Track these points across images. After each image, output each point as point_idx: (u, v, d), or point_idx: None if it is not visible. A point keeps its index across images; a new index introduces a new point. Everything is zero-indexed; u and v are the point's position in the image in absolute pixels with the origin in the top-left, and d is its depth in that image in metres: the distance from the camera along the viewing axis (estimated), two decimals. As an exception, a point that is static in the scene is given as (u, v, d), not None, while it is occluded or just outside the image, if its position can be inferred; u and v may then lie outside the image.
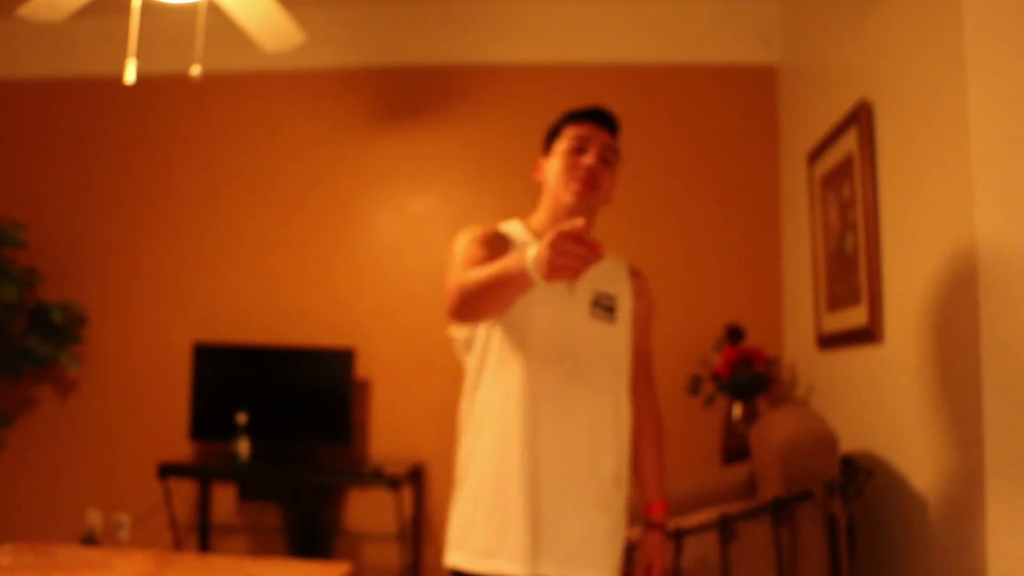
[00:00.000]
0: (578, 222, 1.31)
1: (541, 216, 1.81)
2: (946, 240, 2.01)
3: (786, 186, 3.70)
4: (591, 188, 1.73)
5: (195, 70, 2.73)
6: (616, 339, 1.75)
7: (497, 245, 1.72)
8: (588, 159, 1.75)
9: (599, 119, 1.80)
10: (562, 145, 1.79)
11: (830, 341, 2.97)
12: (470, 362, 1.74)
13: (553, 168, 1.79)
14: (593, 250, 1.30)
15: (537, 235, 1.76)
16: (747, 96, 3.85)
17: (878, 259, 2.47)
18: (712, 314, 3.64)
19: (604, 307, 1.75)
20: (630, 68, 3.91)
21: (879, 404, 2.49)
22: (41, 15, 2.72)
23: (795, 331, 3.52)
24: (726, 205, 3.80)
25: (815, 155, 3.12)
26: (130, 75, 2.61)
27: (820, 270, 3.09)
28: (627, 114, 3.89)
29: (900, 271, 2.34)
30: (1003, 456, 1.80)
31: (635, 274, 1.89)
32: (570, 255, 1.30)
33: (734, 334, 3.41)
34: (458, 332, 1.76)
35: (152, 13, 3.68)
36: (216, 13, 3.16)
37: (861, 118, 2.55)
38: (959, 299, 1.94)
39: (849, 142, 2.69)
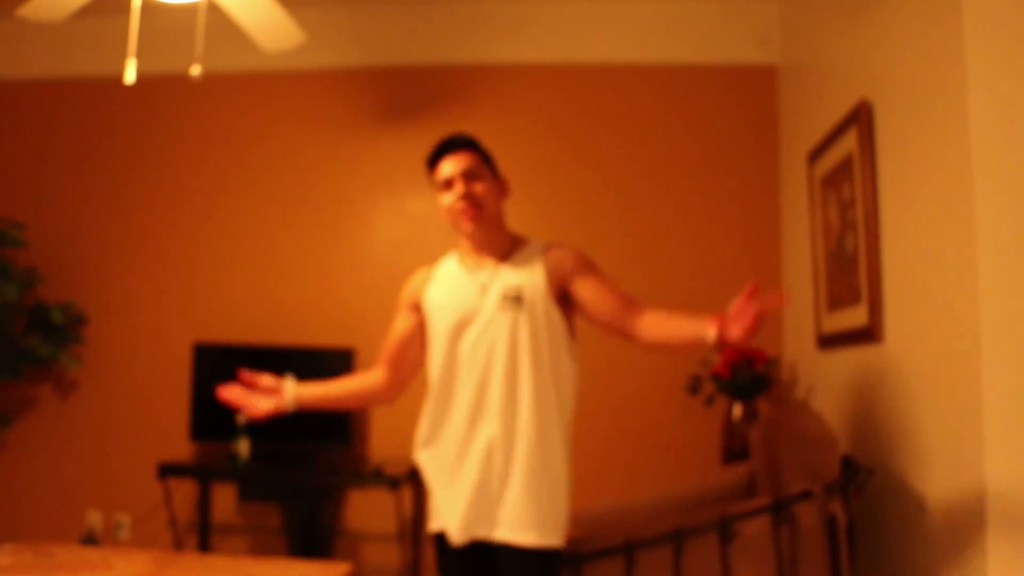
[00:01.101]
0: (225, 393, 2.10)
1: (463, 247, 2.11)
2: (946, 240, 2.01)
3: (786, 186, 3.70)
4: (475, 215, 2.00)
5: (195, 70, 2.73)
6: (532, 322, 1.96)
7: (411, 309, 2.17)
8: (455, 197, 2.02)
9: (447, 150, 2.05)
10: (437, 191, 2.08)
11: (830, 341, 2.97)
12: None
13: (444, 212, 2.08)
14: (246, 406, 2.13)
15: (460, 258, 2.10)
16: (747, 96, 3.85)
17: (878, 259, 2.47)
18: (712, 314, 3.63)
19: (511, 298, 1.97)
20: (630, 68, 3.91)
21: (879, 404, 2.49)
22: (41, 15, 2.72)
23: (795, 331, 3.52)
24: (726, 205, 3.80)
25: (815, 155, 3.12)
26: (130, 75, 2.61)
27: (820, 270, 3.09)
28: (627, 114, 3.93)
29: (900, 271, 2.34)
30: (1003, 456, 1.80)
31: (547, 250, 2.07)
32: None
33: (734, 334, 3.40)
34: None
35: (152, 13, 3.68)
36: (216, 13, 3.16)
37: (861, 118, 2.55)
38: (959, 299, 1.94)
39: (849, 142, 2.69)
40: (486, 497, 1.91)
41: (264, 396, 2.17)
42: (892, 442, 2.38)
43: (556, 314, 1.99)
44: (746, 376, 3.29)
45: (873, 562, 2.44)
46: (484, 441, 1.93)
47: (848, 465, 2.34)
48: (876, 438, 2.50)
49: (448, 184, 2.03)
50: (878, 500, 2.40)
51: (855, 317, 2.65)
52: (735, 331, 1.71)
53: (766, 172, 3.80)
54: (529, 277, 2.00)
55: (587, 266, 2.05)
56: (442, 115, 3.97)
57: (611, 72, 3.92)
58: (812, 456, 2.25)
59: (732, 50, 3.85)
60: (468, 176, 2.02)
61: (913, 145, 2.23)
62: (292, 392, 2.15)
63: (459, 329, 1.99)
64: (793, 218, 3.57)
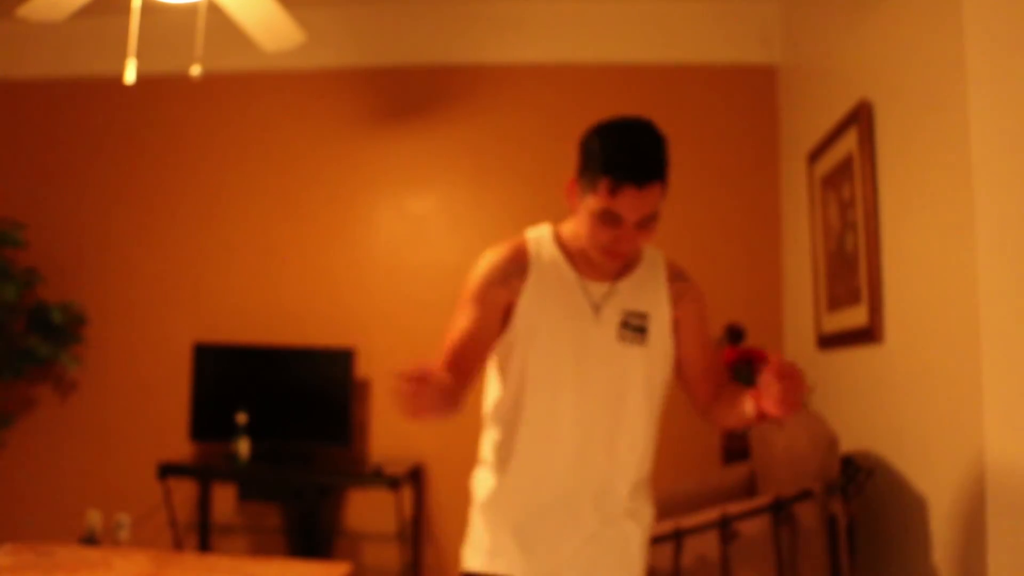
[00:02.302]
0: (411, 369, 1.27)
1: (575, 232, 1.64)
2: (946, 240, 2.01)
3: (786, 186, 3.70)
4: (621, 258, 1.57)
5: (195, 70, 2.73)
6: (649, 361, 1.64)
7: (500, 291, 1.61)
8: (626, 239, 1.52)
9: (641, 178, 1.48)
10: (594, 204, 1.51)
11: (830, 341, 2.97)
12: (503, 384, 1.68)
13: (584, 222, 1.56)
14: (429, 390, 1.28)
15: (568, 254, 1.65)
16: (747, 96, 3.85)
17: (878, 259, 2.47)
18: (712, 314, 3.62)
19: (634, 328, 1.63)
20: (630, 68, 3.91)
21: (879, 404, 2.49)
22: (41, 15, 2.72)
23: (795, 331, 3.52)
24: (726, 205, 3.80)
25: (815, 155, 3.12)
26: (130, 75, 2.61)
27: (820, 270, 3.09)
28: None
29: (900, 271, 2.34)
30: (1003, 456, 1.80)
31: (674, 278, 1.73)
32: (411, 401, 1.28)
33: (734, 334, 3.40)
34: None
35: (152, 13, 3.68)
36: (216, 13, 3.16)
37: (861, 118, 2.55)
38: (959, 299, 1.94)
39: (849, 142, 2.69)
40: (588, 548, 1.63)
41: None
42: (892, 442, 2.38)
43: (671, 356, 1.70)
44: (746, 376, 3.29)
45: (873, 562, 2.44)
46: (591, 487, 1.64)
47: (848, 465, 2.34)
48: (876, 438, 2.50)
49: (614, 218, 1.50)
50: (878, 500, 2.40)
51: (855, 317, 2.65)
52: (774, 410, 1.50)
53: (766, 172, 3.80)
54: (654, 305, 1.67)
55: (704, 317, 1.77)
56: (442, 115, 3.97)
57: (611, 72, 3.92)
58: (812, 456, 2.25)
59: (732, 50, 3.85)
60: (642, 225, 1.52)
61: (913, 145, 2.23)
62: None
63: (570, 355, 1.61)
64: (793, 218, 3.57)
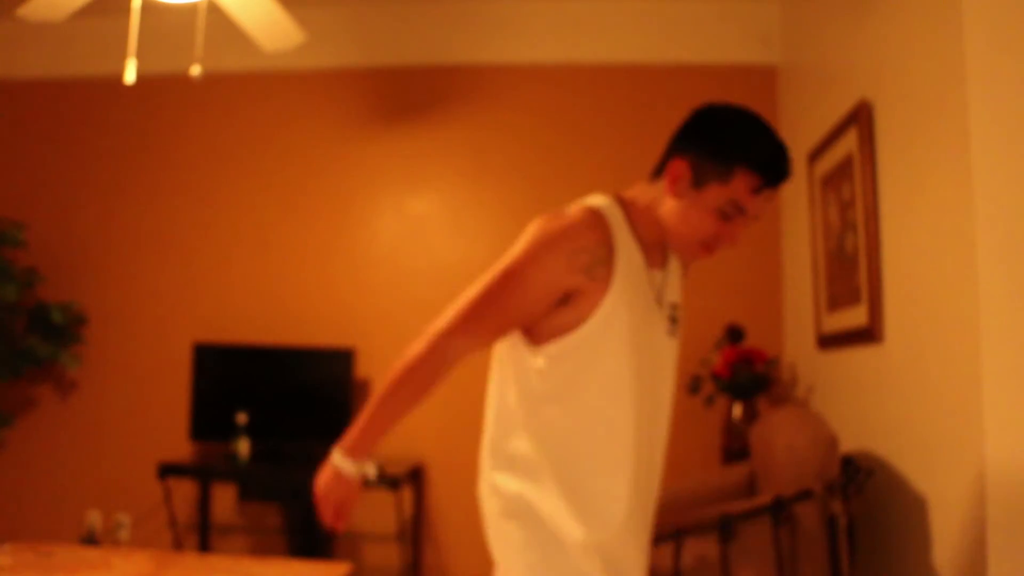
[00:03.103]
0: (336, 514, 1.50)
1: (655, 225, 1.47)
2: (946, 240, 2.01)
3: (786, 186, 3.70)
4: (714, 253, 1.47)
5: (195, 70, 2.73)
6: (677, 353, 1.56)
7: (579, 279, 1.38)
8: (731, 236, 1.43)
9: (778, 179, 1.44)
10: (720, 197, 1.39)
11: (830, 341, 2.97)
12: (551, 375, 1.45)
13: (694, 213, 1.42)
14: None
15: (645, 246, 1.46)
16: (747, 96, 3.81)
17: (878, 259, 2.47)
18: (712, 314, 3.64)
19: (674, 320, 1.53)
20: (630, 68, 3.91)
21: (879, 404, 2.49)
22: (41, 15, 2.72)
23: (795, 331, 3.52)
24: (726, 205, 3.80)
25: (815, 155, 3.12)
26: (130, 75, 2.61)
27: (820, 270, 3.09)
28: (628, 114, 3.92)
29: (900, 271, 2.34)
30: (1003, 456, 1.80)
31: (685, 266, 1.64)
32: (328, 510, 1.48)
33: (734, 334, 3.41)
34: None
35: (152, 13, 3.68)
36: (216, 13, 3.16)
37: (861, 118, 2.55)
38: (959, 299, 1.94)
39: (849, 142, 2.69)
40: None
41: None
42: (892, 442, 2.38)
43: None
44: (746, 376, 3.29)
45: (873, 562, 2.44)
46: (650, 499, 1.52)
47: (848, 465, 2.34)
48: (876, 438, 2.50)
49: (737, 211, 1.41)
50: (878, 500, 2.40)
51: (855, 317, 2.65)
52: None
53: (766, 172, 3.80)
54: (680, 295, 1.58)
55: None
56: (442, 115, 3.97)
57: (611, 72, 3.92)
58: (812, 456, 2.25)
59: (732, 50, 3.85)
60: (755, 219, 1.45)
61: (913, 145, 2.23)
62: (354, 466, 1.54)
63: (637, 357, 1.43)
64: (793, 218, 3.57)
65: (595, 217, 1.42)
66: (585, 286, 1.38)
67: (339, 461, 1.49)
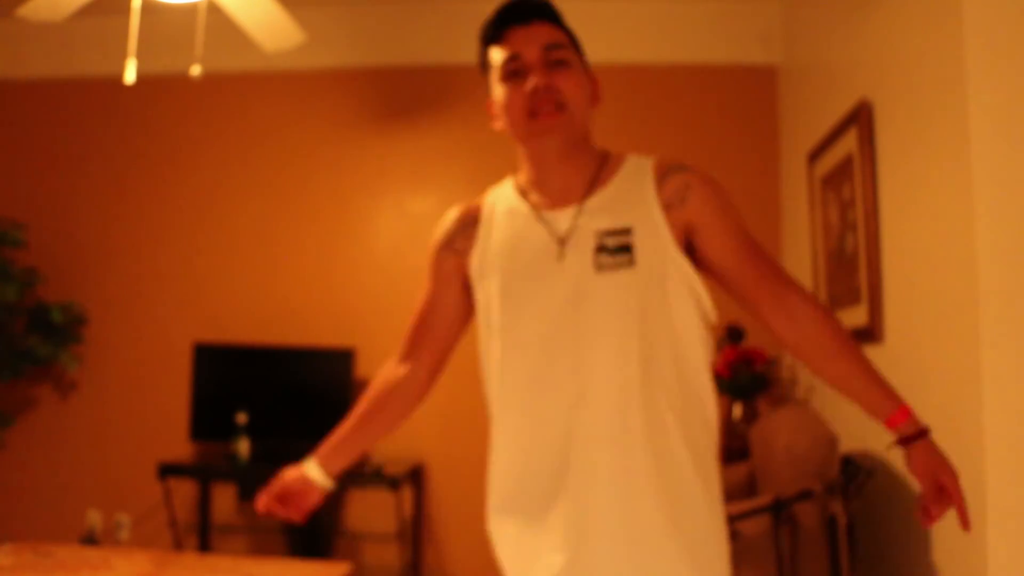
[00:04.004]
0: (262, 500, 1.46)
1: (525, 168, 1.45)
2: (946, 240, 2.01)
3: (786, 186, 3.70)
4: (550, 114, 1.33)
5: (195, 70, 2.73)
6: (643, 287, 1.30)
7: (448, 257, 1.47)
8: (529, 83, 1.34)
9: (519, 17, 1.37)
10: (495, 69, 1.40)
11: (830, 341, 2.96)
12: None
13: (496, 97, 1.42)
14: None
15: (523, 194, 1.42)
16: (747, 96, 3.85)
17: (878, 259, 2.47)
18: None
19: (612, 250, 1.30)
20: (630, 68, 3.90)
21: (879, 404, 2.49)
22: (41, 15, 2.72)
23: (795, 331, 3.52)
24: (726, 205, 3.80)
25: (815, 155, 3.12)
26: (130, 75, 2.61)
27: (820, 270, 3.09)
28: (627, 114, 3.92)
29: (900, 271, 2.34)
30: (1003, 456, 1.80)
31: (665, 173, 1.36)
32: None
33: (734, 334, 3.40)
34: None
35: (152, 13, 3.68)
36: (216, 13, 3.16)
37: (861, 118, 2.55)
38: (959, 299, 1.94)
39: (849, 142, 2.69)
40: None
41: (300, 497, 1.53)
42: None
43: (689, 273, 1.34)
44: (746, 376, 3.29)
45: (873, 562, 2.44)
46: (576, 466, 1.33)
47: (848, 465, 2.34)
48: (876, 438, 2.50)
49: (515, 67, 1.35)
50: (878, 500, 2.40)
51: (855, 317, 2.65)
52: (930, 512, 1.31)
53: (766, 172, 3.80)
54: (639, 216, 1.32)
55: (722, 209, 1.39)
56: (442, 115, 3.97)
57: (611, 72, 3.90)
58: (812, 456, 2.25)
59: (732, 50, 3.85)
60: (549, 58, 1.34)
61: (913, 145, 2.23)
62: (319, 473, 1.53)
63: (536, 309, 1.33)
64: (793, 218, 3.57)
65: (461, 204, 1.55)
66: (457, 262, 1.47)
67: None
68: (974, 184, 1.86)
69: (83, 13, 3.11)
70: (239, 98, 4.11)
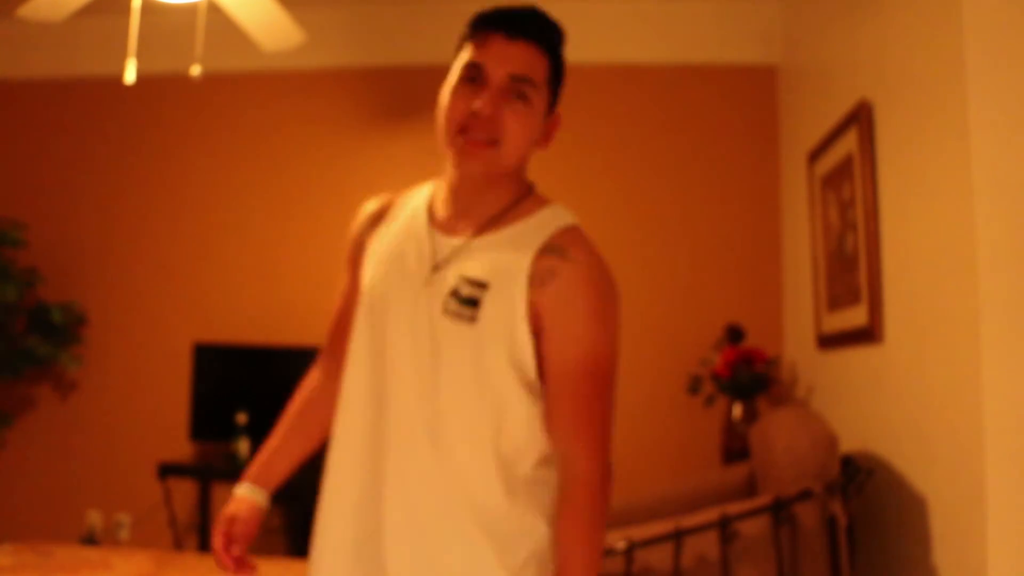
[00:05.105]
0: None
1: (444, 180, 1.36)
2: (946, 240, 2.01)
3: (786, 186, 3.70)
4: (478, 144, 1.25)
5: (195, 70, 2.73)
6: (479, 347, 1.22)
7: (357, 250, 1.43)
8: (477, 102, 1.23)
9: (511, 28, 1.24)
10: (459, 64, 1.28)
11: (830, 341, 2.97)
12: None
13: (445, 89, 1.30)
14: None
15: (431, 205, 1.37)
16: (747, 96, 3.85)
17: (878, 259, 2.47)
18: (712, 314, 3.64)
19: (462, 299, 1.22)
20: (630, 68, 3.90)
21: (879, 404, 2.49)
22: (41, 15, 2.72)
23: (795, 331, 3.52)
24: (726, 205, 3.80)
25: (815, 155, 3.12)
26: (130, 75, 2.61)
27: (820, 270, 3.09)
28: (627, 114, 3.92)
29: (900, 271, 2.34)
30: (1003, 456, 1.80)
31: (547, 250, 1.25)
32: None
33: (734, 334, 3.41)
34: None
35: (152, 13, 3.67)
36: (216, 13, 3.15)
37: (861, 118, 2.55)
38: (959, 299, 1.94)
39: (849, 142, 2.69)
40: None
41: (247, 524, 1.56)
42: (892, 442, 2.38)
43: (527, 348, 1.23)
44: (746, 376, 3.29)
45: (873, 562, 2.44)
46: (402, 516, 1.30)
47: (848, 465, 2.34)
48: (876, 438, 2.50)
49: (474, 75, 1.25)
50: (878, 500, 2.40)
51: (855, 317, 2.65)
52: None
53: (766, 172, 3.80)
54: (505, 276, 1.23)
55: (586, 313, 1.24)
56: (442, 115, 3.97)
57: (611, 72, 3.91)
58: (812, 456, 2.25)
59: (732, 50, 3.85)
60: (510, 88, 1.23)
61: (913, 145, 2.23)
62: (256, 493, 1.58)
63: (379, 313, 1.31)
64: (793, 218, 3.57)
65: (381, 196, 1.47)
66: (362, 255, 1.41)
67: None
68: (974, 184, 1.86)
69: (83, 13, 3.11)
70: (239, 98, 4.11)
